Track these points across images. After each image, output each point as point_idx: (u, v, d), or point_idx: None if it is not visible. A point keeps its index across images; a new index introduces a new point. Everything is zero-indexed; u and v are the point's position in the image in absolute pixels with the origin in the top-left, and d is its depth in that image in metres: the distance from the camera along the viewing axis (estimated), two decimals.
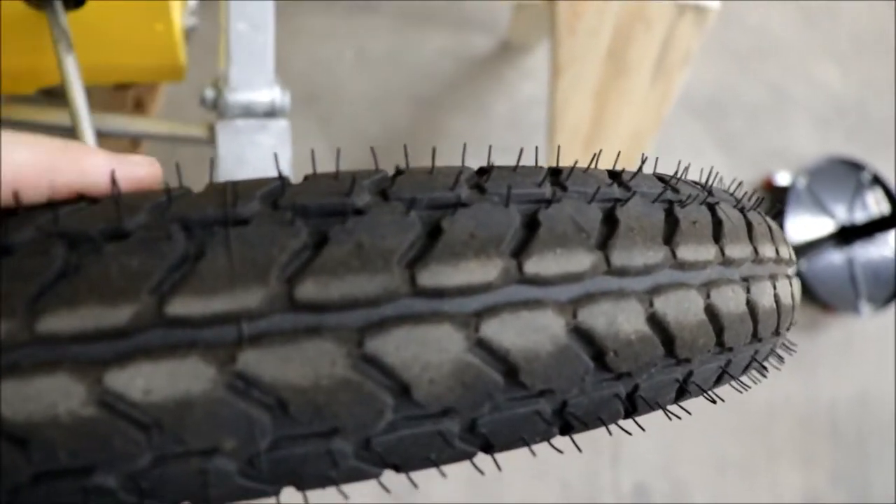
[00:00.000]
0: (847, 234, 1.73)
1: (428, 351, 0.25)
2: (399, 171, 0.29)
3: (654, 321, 0.30)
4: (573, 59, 1.08)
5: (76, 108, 0.62)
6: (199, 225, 0.25)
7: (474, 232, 0.26)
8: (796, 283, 0.42)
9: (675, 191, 0.34)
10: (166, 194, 0.26)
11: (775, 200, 1.76)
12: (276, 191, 0.26)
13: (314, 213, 0.26)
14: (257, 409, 0.24)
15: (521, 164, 0.31)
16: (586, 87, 1.12)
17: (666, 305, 0.30)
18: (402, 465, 0.28)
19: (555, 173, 0.31)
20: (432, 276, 0.25)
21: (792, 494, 1.57)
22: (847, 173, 1.80)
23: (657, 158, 0.38)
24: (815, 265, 1.68)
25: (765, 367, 0.40)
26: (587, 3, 0.99)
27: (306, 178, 0.28)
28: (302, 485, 0.27)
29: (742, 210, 0.38)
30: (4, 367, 0.22)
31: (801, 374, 1.65)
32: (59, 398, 0.22)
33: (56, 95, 0.82)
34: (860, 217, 1.77)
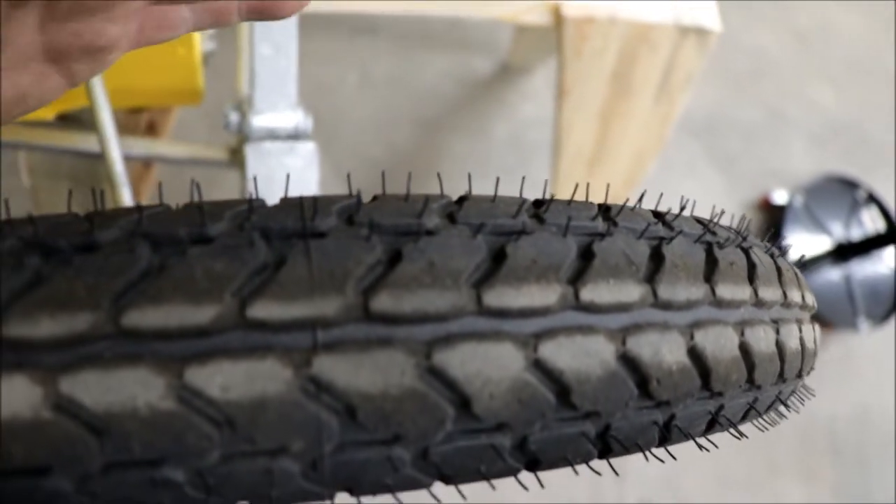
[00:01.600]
0: (844, 252, 1.75)
1: (490, 367, 0.26)
2: (464, 198, 0.30)
3: (694, 354, 0.31)
4: (578, 80, 1.10)
5: (103, 128, 0.63)
6: (278, 235, 0.26)
7: (536, 258, 0.28)
8: (817, 329, 0.43)
9: (713, 233, 0.36)
10: (247, 204, 0.27)
11: (772, 219, 1.78)
12: (351, 207, 0.28)
13: (388, 230, 0.27)
14: (327, 412, 0.25)
15: (574, 199, 0.33)
16: (591, 109, 1.14)
17: (705, 340, 0.32)
18: (454, 477, 0.29)
19: (605, 209, 0.33)
20: (497, 296, 0.26)
21: None
22: (843, 191, 1.83)
23: (685, 200, 0.40)
24: (813, 282, 1.70)
25: (785, 406, 0.42)
26: (593, 25, 1.01)
27: (376, 197, 0.29)
28: (358, 490, 0.28)
29: (772, 256, 0.40)
30: (88, 358, 0.23)
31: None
32: (138, 391, 0.23)
33: (72, 121, 0.83)
34: (856, 234, 1.79)
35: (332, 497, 0.28)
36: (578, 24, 1.02)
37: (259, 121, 0.70)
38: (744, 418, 0.37)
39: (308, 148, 0.69)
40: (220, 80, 1.00)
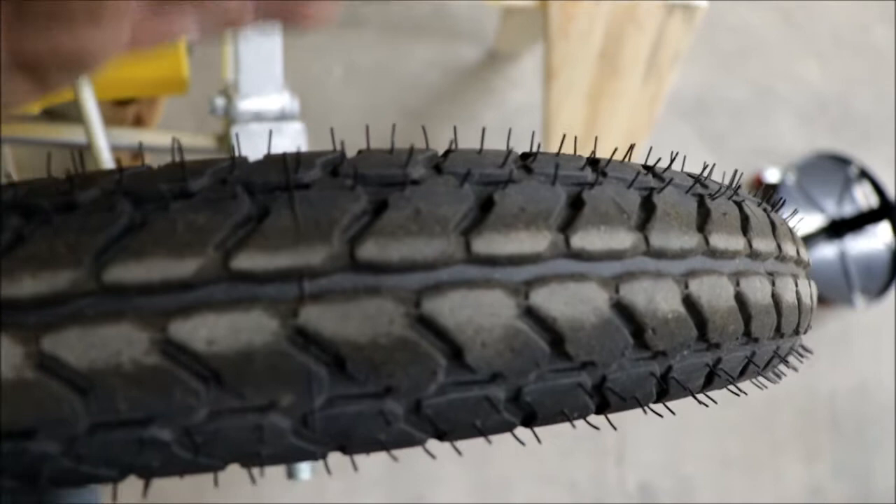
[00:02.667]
0: (838, 228, 1.75)
1: (481, 315, 0.26)
2: (449, 151, 0.30)
3: (689, 303, 0.31)
4: (566, 61, 1.09)
5: (90, 123, 0.62)
6: (262, 188, 0.26)
7: (524, 206, 0.28)
8: (814, 286, 0.43)
9: (705, 186, 0.36)
10: (229, 161, 0.27)
11: (765, 197, 1.78)
12: (335, 160, 0.27)
13: (373, 181, 0.27)
14: (316, 364, 0.24)
15: (560, 152, 0.32)
16: (579, 90, 1.14)
17: (700, 289, 0.31)
18: (449, 432, 0.28)
19: (594, 161, 0.33)
20: (486, 243, 0.26)
21: (796, 486, 1.58)
22: (835, 168, 1.83)
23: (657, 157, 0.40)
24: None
25: (784, 363, 0.41)
26: (579, 5, 1.01)
27: (360, 152, 0.29)
28: (350, 447, 0.27)
29: (766, 210, 0.40)
30: (69, 316, 0.23)
31: (799, 367, 1.66)
32: (122, 346, 0.23)
33: (57, 114, 0.82)
34: (849, 211, 1.80)
35: (324, 456, 0.27)
36: (563, 5, 1.02)
37: (245, 104, 0.69)
38: (742, 373, 0.37)
39: (294, 128, 0.68)
40: (207, 70, 1.00)
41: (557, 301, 0.27)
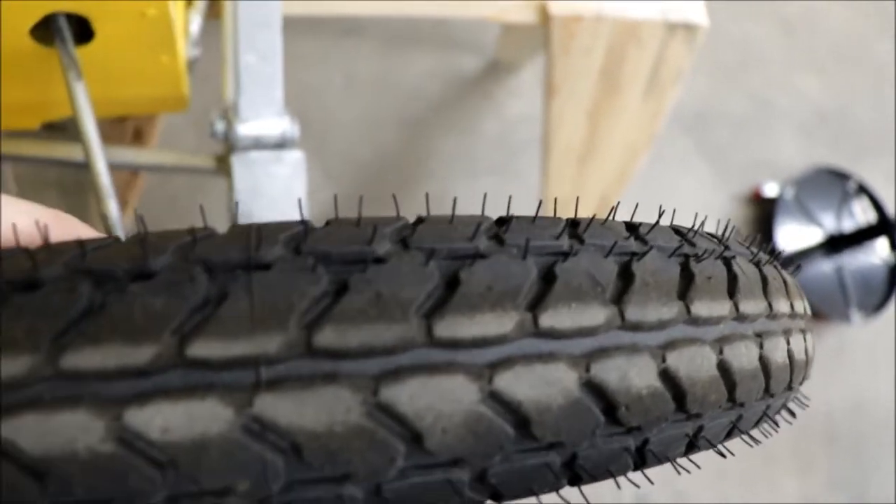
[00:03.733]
0: (836, 243, 1.75)
1: (441, 401, 0.25)
2: (420, 220, 0.29)
3: (667, 376, 0.30)
4: (567, 77, 1.09)
5: (88, 139, 0.62)
6: (222, 268, 0.25)
7: (491, 284, 0.27)
8: (810, 338, 0.42)
9: (692, 244, 0.35)
10: (191, 235, 0.26)
11: (764, 211, 1.78)
12: (299, 236, 0.27)
13: (335, 260, 0.26)
14: (272, 452, 0.24)
15: (539, 216, 0.31)
16: (580, 106, 1.13)
17: (679, 361, 0.30)
18: None
19: (573, 225, 0.32)
20: (448, 327, 0.25)
21: (791, 500, 1.58)
22: (833, 183, 1.83)
23: (670, 211, 0.38)
24: (806, 274, 1.70)
25: (776, 418, 0.40)
26: (581, 22, 1.01)
27: (328, 223, 0.28)
28: None
29: (757, 264, 0.38)
30: (26, 401, 0.23)
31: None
32: (78, 433, 0.23)
33: (57, 128, 0.82)
34: (848, 226, 1.79)
35: None
36: (566, 23, 1.02)
37: (245, 129, 0.69)
38: (728, 437, 0.36)
39: (295, 157, 0.68)
40: (207, 84, 0.99)
41: (523, 384, 0.26)
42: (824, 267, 1.74)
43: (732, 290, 0.34)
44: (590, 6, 1.02)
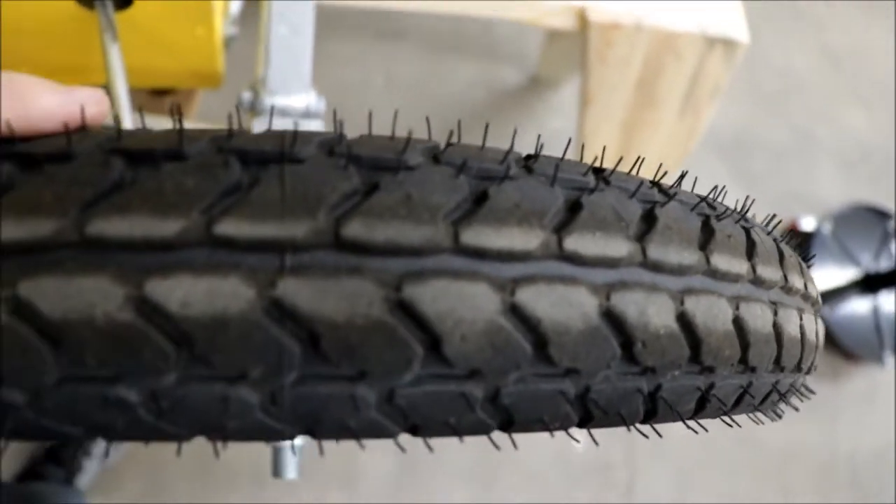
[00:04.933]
0: (872, 283, 1.71)
1: (463, 307, 0.25)
2: (450, 143, 0.29)
3: (683, 320, 0.30)
4: (603, 88, 1.09)
5: (118, 101, 0.63)
6: (255, 158, 0.25)
7: (519, 203, 0.27)
8: (821, 324, 0.42)
9: (712, 207, 0.35)
10: (228, 130, 0.26)
11: (799, 245, 1.75)
12: (333, 140, 0.27)
13: (367, 163, 0.26)
14: (289, 338, 0.24)
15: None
16: (615, 117, 1.13)
17: (696, 307, 0.30)
18: (421, 427, 0.28)
19: (598, 169, 0.32)
20: (475, 235, 0.25)
21: None
22: (873, 221, 1.79)
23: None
24: (840, 313, 1.66)
25: (784, 401, 0.40)
26: (619, 30, 1.01)
27: (362, 136, 0.28)
28: (319, 431, 0.27)
29: (775, 240, 0.38)
30: (48, 264, 0.23)
31: (821, 422, 1.62)
32: (97, 299, 0.23)
33: None
34: (886, 266, 1.75)
35: (292, 437, 0.27)
36: (604, 30, 1.02)
37: (271, 100, 0.70)
38: (737, 404, 0.36)
39: (314, 125, 0.69)
40: (245, 68, 1.01)
41: (544, 302, 0.26)
42: (859, 307, 1.70)
43: (751, 253, 0.34)
44: (629, 15, 1.02)
